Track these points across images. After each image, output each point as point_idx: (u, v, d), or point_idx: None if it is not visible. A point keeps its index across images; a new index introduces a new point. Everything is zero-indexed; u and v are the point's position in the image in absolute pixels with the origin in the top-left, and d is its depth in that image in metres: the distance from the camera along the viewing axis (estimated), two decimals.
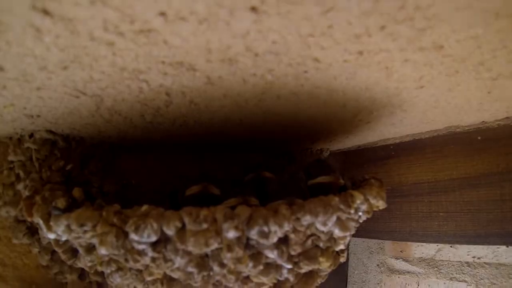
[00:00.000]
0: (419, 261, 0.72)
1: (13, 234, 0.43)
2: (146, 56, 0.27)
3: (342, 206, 0.37)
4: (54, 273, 0.45)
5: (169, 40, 0.25)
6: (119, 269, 0.37)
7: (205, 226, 0.30)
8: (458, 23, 0.23)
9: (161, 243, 0.33)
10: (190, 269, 0.32)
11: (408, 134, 0.71)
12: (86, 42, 0.25)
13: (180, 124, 0.45)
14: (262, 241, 0.31)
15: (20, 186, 0.43)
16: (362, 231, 0.78)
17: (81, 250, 0.37)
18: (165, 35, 0.24)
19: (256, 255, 0.34)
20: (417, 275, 0.71)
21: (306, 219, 0.33)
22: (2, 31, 0.23)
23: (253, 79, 0.32)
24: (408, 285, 0.73)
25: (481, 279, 0.65)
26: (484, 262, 0.65)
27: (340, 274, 0.86)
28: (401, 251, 0.76)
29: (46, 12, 0.21)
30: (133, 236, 0.31)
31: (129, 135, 0.48)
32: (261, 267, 0.34)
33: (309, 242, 0.38)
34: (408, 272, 0.73)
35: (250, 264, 0.33)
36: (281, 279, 0.38)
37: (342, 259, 0.50)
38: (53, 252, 0.45)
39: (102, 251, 0.33)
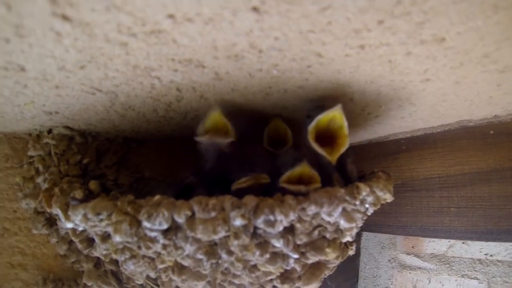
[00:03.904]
0: (431, 257, 0.71)
1: (33, 225, 0.46)
2: (157, 55, 0.29)
3: (347, 197, 0.38)
4: (71, 262, 0.48)
5: (178, 40, 0.27)
6: (133, 256, 0.39)
7: (213, 214, 0.31)
8: (456, 16, 0.23)
9: (172, 230, 0.34)
10: (199, 256, 0.34)
11: (420, 129, 0.71)
12: (101, 43, 0.27)
13: (192, 118, 0.46)
14: (268, 229, 0.32)
15: (39, 179, 0.46)
16: (373, 225, 0.79)
17: (97, 239, 0.39)
18: (174, 35, 0.26)
19: (263, 244, 0.35)
20: (428, 271, 0.71)
21: (311, 209, 0.34)
22: (25, 35, 0.24)
23: (259, 74, 0.33)
24: (419, 281, 0.72)
25: (493, 277, 0.64)
26: (497, 260, 0.64)
27: (352, 268, 0.86)
28: (412, 247, 0.75)
29: (65, 17, 0.23)
30: (146, 224, 0.33)
31: (142, 129, 0.50)
32: (267, 255, 0.35)
33: (316, 233, 0.38)
34: (420, 268, 0.72)
35: (257, 253, 0.34)
36: (287, 268, 0.39)
37: (351, 252, 0.50)
38: (71, 242, 0.47)
39: (117, 238, 0.35)
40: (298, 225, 0.35)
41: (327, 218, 0.36)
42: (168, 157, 0.56)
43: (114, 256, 0.40)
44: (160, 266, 0.40)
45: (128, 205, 0.36)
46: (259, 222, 0.32)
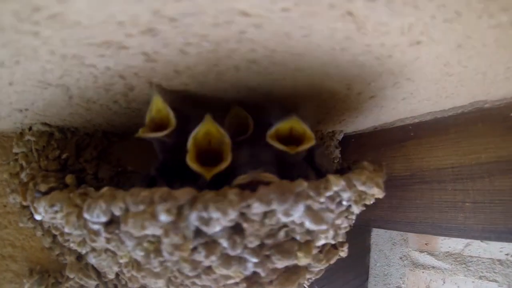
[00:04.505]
0: (446, 256, 0.64)
1: (19, 219, 0.48)
2: (71, 40, 0.27)
3: (312, 193, 0.33)
4: (56, 254, 0.49)
5: (78, 20, 0.25)
6: (93, 249, 0.39)
7: (141, 207, 0.29)
8: None
9: (114, 224, 0.33)
10: (138, 252, 0.32)
11: (429, 112, 0.63)
12: (14, 35, 0.26)
13: None
14: (204, 228, 0.30)
15: (23, 175, 0.48)
16: (380, 221, 0.73)
17: (55, 231, 0.39)
18: (70, 15, 0.24)
19: (210, 244, 0.32)
20: (443, 271, 0.64)
21: (256, 207, 0.30)
22: None
23: (191, 49, 0.30)
24: (433, 281, 0.66)
25: None
26: None
27: (361, 265, 0.81)
28: (426, 244, 0.69)
29: None
30: (86, 216, 0.32)
31: (116, 122, 0.49)
32: (214, 257, 0.32)
33: (282, 234, 0.34)
34: (433, 267, 0.66)
35: (202, 253, 0.32)
36: (247, 273, 0.35)
37: (343, 253, 0.45)
38: (55, 236, 0.49)
39: (66, 230, 0.35)
40: (245, 225, 0.31)
41: (284, 218, 0.31)
42: (150, 150, 0.56)
43: (78, 249, 0.40)
44: (121, 261, 0.39)
45: (78, 197, 0.36)
46: (193, 219, 0.29)
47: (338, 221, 0.39)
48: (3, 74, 0.33)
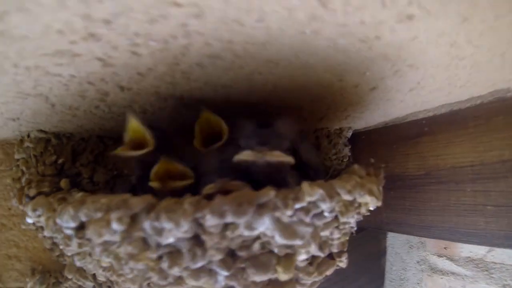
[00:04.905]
0: (466, 262, 0.58)
1: (22, 221, 0.51)
2: (26, 53, 0.27)
3: (279, 204, 0.30)
4: (56, 255, 0.51)
5: (23, 34, 0.24)
6: (77, 253, 0.40)
7: (99, 215, 0.29)
8: None
9: (83, 229, 0.33)
10: (105, 258, 0.32)
11: (443, 104, 0.57)
12: None
13: (141, 111, 0.44)
14: (158, 239, 0.28)
15: (23, 180, 0.50)
16: (393, 224, 0.68)
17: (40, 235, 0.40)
18: (13, 31, 0.24)
19: (173, 254, 0.31)
20: (463, 278, 0.58)
21: (209, 219, 0.27)
22: None
23: (141, 49, 0.28)
24: None
25: None
26: None
27: (376, 269, 0.76)
28: (445, 248, 0.63)
29: None
30: (57, 220, 0.33)
31: (107, 126, 0.50)
32: (177, 268, 0.30)
33: (257, 246, 0.32)
34: (453, 273, 0.60)
35: (165, 264, 0.31)
36: (218, 286, 0.33)
37: (342, 264, 0.42)
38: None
39: (45, 233, 0.36)
40: (204, 237, 0.29)
41: (247, 232, 0.29)
42: None
43: (65, 252, 0.41)
44: (103, 265, 0.40)
45: (56, 202, 0.36)
46: (147, 228, 0.28)
47: (325, 233, 0.36)
48: None
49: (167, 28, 0.25)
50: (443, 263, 0.62)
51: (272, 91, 0.42)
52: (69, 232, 0.34)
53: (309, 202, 0.31)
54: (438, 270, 0.62)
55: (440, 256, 0.63)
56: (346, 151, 0.75)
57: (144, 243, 0.29)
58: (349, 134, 0.75)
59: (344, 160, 0.75)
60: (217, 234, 0.29)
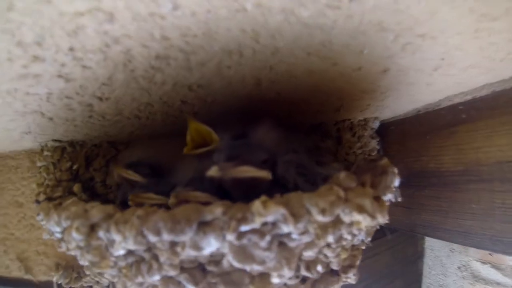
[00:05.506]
0: None
1: None
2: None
3: (224, 225, 0.26)
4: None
5: None
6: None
7: (68, 223, 0.30)
8: None
9: None
10: (83, 262, 0.33)
11: (484, 85, 0.47)
12: None
13: (135, 117, 0.45)
14: (111, 249, 0.28)
15: (45, 185, 0.55)
16: (427, 227, 0.59)
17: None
18: None
19: (139, 263, 0.30)
20: None
21: (147, 235, 0.26)
22: None
23: (85, 62, 0.28)
24: None
25: None
26: None
27: (412, 272, 0.68)
28: (490, 254, 0.53)
29: None
30: (47, 225, 0.36)
31: (111, 133, 0.51)
32: (141, 278, 0.29)
33: (226, 262, 0.29)
34: (498, 283, 0.50)
35: (133, 271, 0.30)
36: None
37: (350, 280, 0.38)
38: None
39: (44, 236, 0.38)
40: (156, 252, 0.28)
41: (193, 252, 0.26)
42: None
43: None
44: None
45: (53, 208, 0.39)
46: (103, 238, 0.28)
47: (308, 253, 0.30)
48: None
49: (91, 38, 0.24)
50: (487, 271, 0.53)
51: (256, 85, 0.39)
52: (58, 236, 0.36)
53: (264, 224, 0.26)
54: (482, 278, 0.53)
55: (484, 263, 0.53)
56: (374, 144, 0.68)
57: (106, 251, 0.29)
58: (376, 125, 0.68)
59: (372, 154, 0.68)
60: (167, 250, 0.27)
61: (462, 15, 0.27)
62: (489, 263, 0.53)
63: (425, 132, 0.59)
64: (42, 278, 0.56)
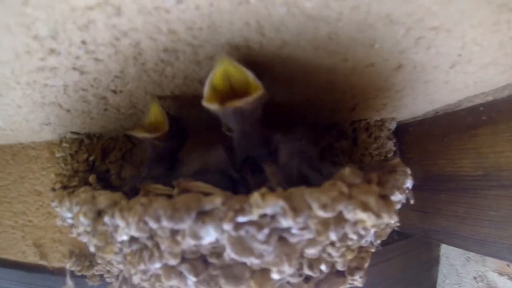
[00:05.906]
0: None
1: None
2: (18, 71, 0.31)
3: (222, 215, 0.26)
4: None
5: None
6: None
7: (77, 209, 0.31)
8: None
9: None
10: (91, 248, 0.34)
11: (506, 85, 0.45)
12: None
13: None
14: (115, 235, 0.29)
15: (62, 175, 0.57)
16: (442, 233, 0.57)
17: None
18: None
19: (144, 250, 0.31)
20: None
21: (149, 222, 0.26)
22: None
23: (97, 55, 0.29)
24: None
25: None
26: None
27: (426, 280, 0.66)
28: (507, 265, 0.50)
29: None
30: (60, 211, 0.38)
31: (127, 126, 0.53)
32: (143, 266, 0.30)
33: (227, 255, 0.29)
34: None
35: (136, 259, 0.31)
36: None
37: (357, 283, 0.36)
38: None
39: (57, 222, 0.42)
40: (158, 240, 0.28)
41: (192, 241, 0.26)
42: None
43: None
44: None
45: (66, 195, 0.40)
46: (109, 224, 0.29)
47: (311, 251, 0.30)
48: (6, 101, 0.40)
49: (101, 32, 0.25)
50: (505, 283, 0.50)
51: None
52: (69, 221, 0.38)
53: (262, 216, 0.25)
54: None
55: (501, 274, 0.51)
56: (390, 145, 0.66)
57: (111, 237, 0.30)
58: (393, 126, 0.66)
59: (388, 155, 0.67)
60: (167, 238, 0.27)
61: (479, 5, 0.25)
62: (507, 275, 0.51)
63: (443, 134, 0.57)
64: (56, 264, 0.58)
